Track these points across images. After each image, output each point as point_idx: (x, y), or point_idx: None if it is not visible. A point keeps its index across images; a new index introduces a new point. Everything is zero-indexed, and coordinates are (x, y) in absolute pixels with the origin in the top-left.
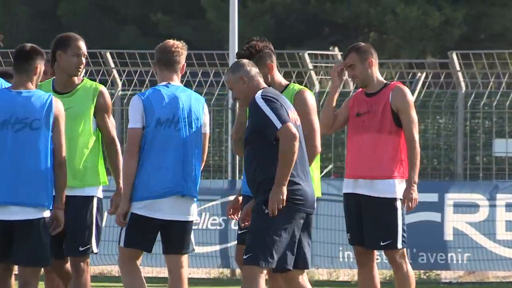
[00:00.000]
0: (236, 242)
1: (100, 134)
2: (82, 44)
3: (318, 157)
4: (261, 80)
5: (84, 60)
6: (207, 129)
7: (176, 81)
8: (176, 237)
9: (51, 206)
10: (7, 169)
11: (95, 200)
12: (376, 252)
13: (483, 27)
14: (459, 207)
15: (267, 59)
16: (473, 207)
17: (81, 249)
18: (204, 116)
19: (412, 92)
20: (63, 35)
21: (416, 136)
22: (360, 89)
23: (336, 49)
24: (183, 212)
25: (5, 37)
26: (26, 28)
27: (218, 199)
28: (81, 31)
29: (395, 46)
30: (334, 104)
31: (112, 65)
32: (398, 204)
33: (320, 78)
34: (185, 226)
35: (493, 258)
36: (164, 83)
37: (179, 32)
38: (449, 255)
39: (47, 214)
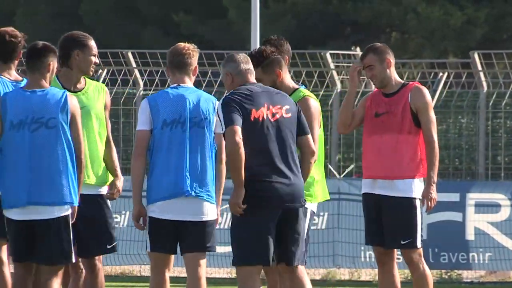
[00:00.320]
0: None
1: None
2: (94, 44)
3: (321, 162)
4: (249, 77)
5: (97, 60)
6: (219, 129)
7: (188, 83)
8: (189, 237)
9: (75, 202)
10: (26, 170)
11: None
12: (396, 252)
13: (505, 27)
14: (481, 206)
15: (275, 66)
16: (494, 206)
17: (108, 246)
18: (215, 115)
19: (434, 92)
20: (78, 34)
21: (435, 136)
22: (376, 89)
23: (358, 48)
24: (194, 213)
25: (27, 37)
26: (47, 28)
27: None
28: (103, 31)
29: (416, 46)
30: (352, 104)
31: (134, 65)
32: (417, 203)
33: (342, 78)
34: (198, 226)
35: None
36: (174, 85)
37: (200, 32)
38: (471, 254)
39: (67, 212)
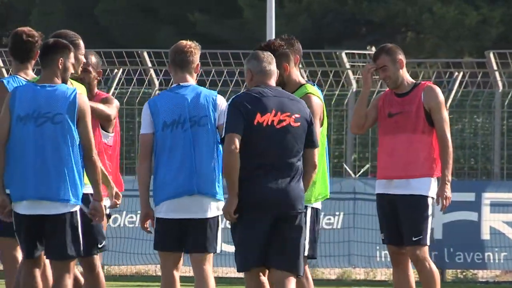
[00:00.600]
0: None
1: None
2: (83, 44)
3: (322, 159)
4: (267, 78)
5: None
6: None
7: (190, 81)
8: (194, 235)
9: (78, 201)
10: (30, 164)
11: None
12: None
13: None
14: (496, 206)
15: (282, 60)
16: (510, 206)
17: (100, 246)
18: (217, 112)
19: (449, 92)
20: (66, 34)
21: (449, 135)
22: (388, 89)
23: (373, 48)
24: (198, 210)
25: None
26: (63, 27)
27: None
28: (118, 31)
29: (432, 46)
30: (366, 105)
31: (150, 64)
32: (430, 202)
33: (357, 78)
34: (202, 224)
35: None
36: (175, 84)
37: (216, 31)
38: (486, 254)
39: (74, 208)
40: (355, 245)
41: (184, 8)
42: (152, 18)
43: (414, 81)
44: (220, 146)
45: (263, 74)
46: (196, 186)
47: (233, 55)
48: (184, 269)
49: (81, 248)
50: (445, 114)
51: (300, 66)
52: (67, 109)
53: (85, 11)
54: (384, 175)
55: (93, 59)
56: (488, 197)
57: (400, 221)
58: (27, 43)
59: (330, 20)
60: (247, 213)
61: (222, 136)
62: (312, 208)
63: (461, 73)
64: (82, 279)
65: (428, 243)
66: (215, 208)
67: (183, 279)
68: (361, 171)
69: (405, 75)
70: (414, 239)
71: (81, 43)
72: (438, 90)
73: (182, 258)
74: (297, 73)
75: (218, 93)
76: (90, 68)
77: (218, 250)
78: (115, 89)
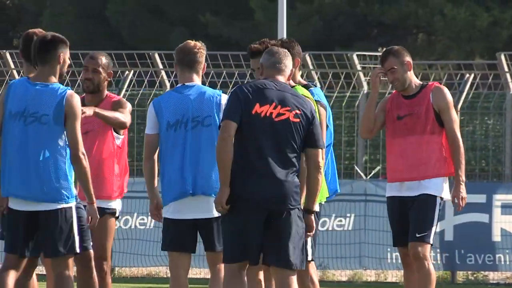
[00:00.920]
0: None
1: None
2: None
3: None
4: (276, 73)
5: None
6: None
7: (196, 80)
8: (203, 235)
9: (66, 200)
10: (15, 162)
11: None
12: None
13: None
14: (507, 208)
15: None
16: None
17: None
18: (221, 111)
19: (460, 93)
20: (59, 36)
21: (459, 135)
22: (395, 92)
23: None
24: (203, 210)
25: None
26: (74, 29)
27: None
28: (129, 32)
29: (443, 47)
30: (374, 109)
31: (161, 66)
32: (438, 202)
33: (369, 79)
34: (209, 223)
35: None
36: (180, 84)
37: (227, 33)
38: (497, 256)
39: (63, 205)
40: (366, 247)
41: (195, 9)
42: (163, 19)
43: (421, 82)
44: None
45: (272, 69)
46: (199, 187)
47: (244, 57)
48: (195, 271)
49: (76, 246)
50: (454, 114)
51: (311, 67)
52: (53, 110)
53: (96, 13)
54: (396, 178)
55: (104, 60)
56: (499, 198)
57: (410, 220)
58: None
59: (342, 22)
60: (238, 206)
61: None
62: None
63: (472, 75)
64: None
65: (431, 242)
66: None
67: (194, 281)
68: (372, 173)
69: (413, 77)
70: (418, 235)
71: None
72: (446, 90)
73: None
74: (298, 76)
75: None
76: (100, 69)
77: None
78: (126, 90)
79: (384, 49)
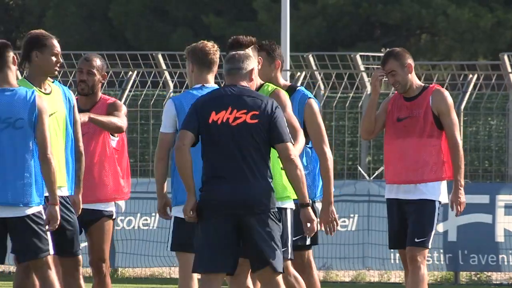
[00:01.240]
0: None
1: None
2: (56, 43)
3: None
4: (231, 79)
5: (60, 59)
6: None
7: (211, 82)
8: None
9: (41, 201)
10: None
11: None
12: (427, 253)
13: None
14: (511, 208)
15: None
16: None
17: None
18: None
19: (464, 94)
20: (37, 34)
21: (459, 139)
22: (397, 93)
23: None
24: None
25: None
26: (77, 30)
27: None
28: (132, 33)
29: (446, 48)
30: (375, 112)
31: (164, 66)
32: (437, 205)
33: None
34: None
35: None
36: (198, 85)
37: (230, 33)
38: (500, 256)
39: (32, 210)
40: (369, 247)
41: (198, 10)
42: (166, 20)
43: (422, 84)
44: None
45: (230, 75)
46: None
47: None
48: None
49: (50, 246)
50: (454, 117)
51: (315, 68)
52: (28, 113)
53: (99, 14)
54: (394, 180)
55: (98, 62)
56: (502, 199)
57: (408, 224)
58: None
59: (345, 23)
60: (206, 214)
61: None
62: (290, 209)
63: (476, 75)
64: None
65: (430, 246)
66: None
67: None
68: (376, 174)
69: (414, 79)
70: (416, 240)
71: (50, 42)
72: (446, 93)
73: None
74: (279, 78)
75: None
76: (95, 71)
77: None
78: (129, 91)
79: (386, 50)
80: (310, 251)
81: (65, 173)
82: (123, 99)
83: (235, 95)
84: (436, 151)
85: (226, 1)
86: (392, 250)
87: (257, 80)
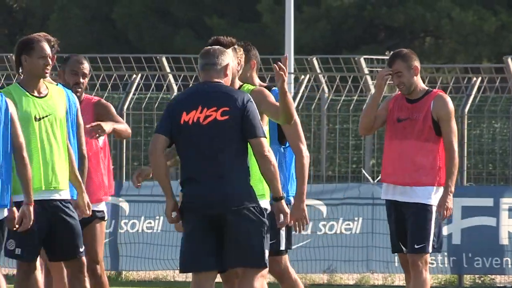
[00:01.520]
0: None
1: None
2: (45, 45)
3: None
4: (206, 75)
5: (50, 61)
6: None
7: None
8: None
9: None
10: None
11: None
12: (429, 258)
13: None
14: None
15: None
16: None
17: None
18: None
19: (468, 97)
20: (25, 39)
21: (455, 146)
22: (400, 92)
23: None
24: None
25: (60, 41)
26: (81, 32)
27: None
28: (136, 35)
29: (450, 51)
30: (376, 109)
31: (168, 69)
32: (434, 210)
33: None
34: None
35: None
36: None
37: (234, 36)
38: (505, 259)
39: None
40: (373, 250)
41: (201, 12)
42: (169, 22)
43: (426, 88)
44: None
45: (204, 70)
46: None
47: None
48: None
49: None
50: (454, 124)
51: (319, 71)
52: (4, 118)
53: (103, 16)
54: (389, 180)
55: (87, 63)
56: (507, 202)
57: (407, 229)
58: None
59: (349, 25)
60: (185, 215)
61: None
62: (264, 207)
63: (480, 78)
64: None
65: (431, 250)
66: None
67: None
68: (380, 177)
69: (419, 82)
70: (416, 246)
71: (38, 45)
72: (448, 99)
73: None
74: (255, 78)
75: None
76: (87, 72)
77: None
78: (134, 94)
79: (392, 52)
80: (286, 256)
81: (65, 176)
82: (127, 102)
83: (205, 93)
84: (432, 156)
85: (229, 3)
86: (396, 253)
87: (235, 81)
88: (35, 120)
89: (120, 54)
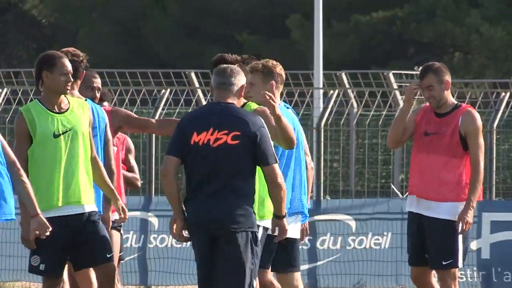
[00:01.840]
0: (323, 261)
1: None
2: (67, 62)
3: (269, 174)
4: (218, 95)
5: (71, 78)
6: None
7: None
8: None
9: None
10: None
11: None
12: (457, 272)
13: None
14: None
15: None
16: None
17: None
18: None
19: (496, 112)
20: (46, 54)
21: (482, 162)
22: (428, 105)
23: (421, 68)
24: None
25: (90, 56)
26: (110, 47)
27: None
28: (165, 51)
29: (479, 66)
30: (404, 122)
31: (197, 84)
32: (459, 225)
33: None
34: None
35: None
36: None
37: (263, 51)
38: None
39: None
40: (403, 265)
41: (231, 28)
42: (199, 38)
43: (455, 102)
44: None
45: (218, 89)
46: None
47: None
48: None
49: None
50: (481, 140)
51: (348, 86)
52: None
53: (132, 32)
54: (414, 192)
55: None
56: None
57: (426, 243)
58: (72, 63)
59: (378, 41)
60: (190, 234)
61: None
62: (263, 227)
63: (508, 93)
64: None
65: (460, 265)
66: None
67: None
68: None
69: (449, 96)
70: (444, 263)
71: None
72: (476, 115)
73: None
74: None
75: None
76: (101, 87)
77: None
78: (162, 109)
79: (421, 67)
80: (269, 270)
81: (88, 191)
82: (156, 117)
83: (217, 114)
84: (458, 172)
85: (259, 19)
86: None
87: (240, 99)
88: (54, 137)
89: (149, 69)
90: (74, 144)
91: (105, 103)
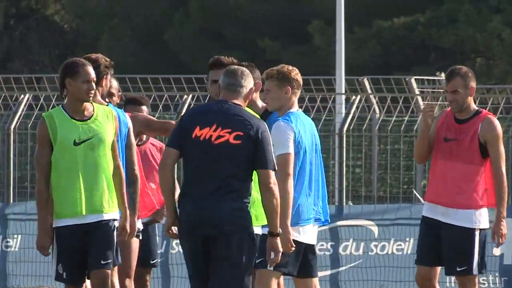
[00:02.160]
0: (345, 267)
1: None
2: (90, 69)
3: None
4: (225, 95)
5: (94, 85)
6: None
7: None
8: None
9: None
10: None
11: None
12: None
13: None
14: None
15: None
16: None
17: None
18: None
19: None
20: (70, 62)
21: (504, 169)
22: (449, 110)
23: (443, 74)
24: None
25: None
26: (132, 53)
27: (326, 224)
28: (188, 56)
29: (501, 72)
30: (427, 138)
31: None
32: (477, 233)
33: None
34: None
35: None
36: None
37: (285, 57)
38: None
39: None
40: None
41: (253, 34)
42: (221, 44)
43: (476, 108)
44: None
45: (226, 90)
46: None
47: (304, 81)
48: None
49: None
50: (501, 147)
51: (370, 92)
52: None
53: (154, 37)
54: (432, 199)
55: (114, 83)
56: None
57: (442, 249)
58: (94, 70)
59: (399, 46)
60: (180, 232)
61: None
62: (256, 234)
63: None
64: None
65: (475, 272)
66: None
67: None
68: None
69: (471, 102)
70: (458, 269)
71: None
72: (496, 122)
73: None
74: (258, 99)
75: None
76: (115, 92)
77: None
78: None
79: (442, 73)
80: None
81: (111, 199)
82: None
83: (222, 112)
84: (477, 179)
85: (281, 25)
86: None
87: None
88: (74, 144)
89: (171, 75)
90: (95, 152)
91: (144, 107)
